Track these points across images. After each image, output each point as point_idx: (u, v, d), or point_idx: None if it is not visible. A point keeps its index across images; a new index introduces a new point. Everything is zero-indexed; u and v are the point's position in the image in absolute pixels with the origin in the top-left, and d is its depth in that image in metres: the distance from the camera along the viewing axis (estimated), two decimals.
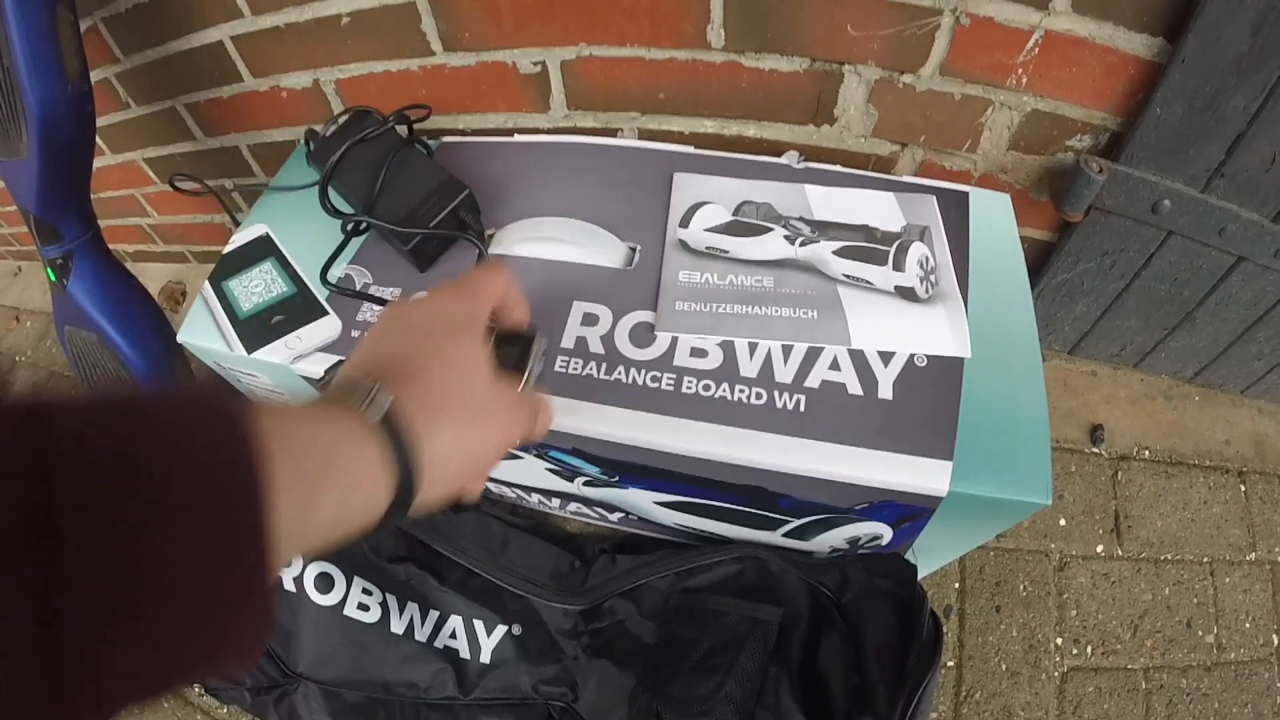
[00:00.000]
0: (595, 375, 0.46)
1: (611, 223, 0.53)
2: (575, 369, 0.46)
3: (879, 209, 0.53)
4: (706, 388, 0.45)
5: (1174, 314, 0.66)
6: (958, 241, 0.53)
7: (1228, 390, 0.73)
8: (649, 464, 0.47)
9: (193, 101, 0.73)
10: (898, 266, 0.49)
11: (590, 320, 0.48)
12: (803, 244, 0.51)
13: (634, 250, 0.51)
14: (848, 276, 0.49)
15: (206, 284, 0.57)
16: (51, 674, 0.15)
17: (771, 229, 0.51)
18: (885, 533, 0.50)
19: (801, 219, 0.53)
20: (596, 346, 0.47)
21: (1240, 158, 0.55)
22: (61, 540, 0.15)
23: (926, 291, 0.49)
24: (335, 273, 0.55)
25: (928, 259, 0.50)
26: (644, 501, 0.53)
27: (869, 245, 0.50)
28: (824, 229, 0.52)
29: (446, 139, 0.61)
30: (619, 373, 0.46)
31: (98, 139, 0.81)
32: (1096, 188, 0.56)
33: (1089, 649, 0.62)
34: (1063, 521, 0.66)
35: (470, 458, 0.30)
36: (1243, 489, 0.69)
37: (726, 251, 0.51)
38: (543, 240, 0.52)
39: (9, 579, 0.14)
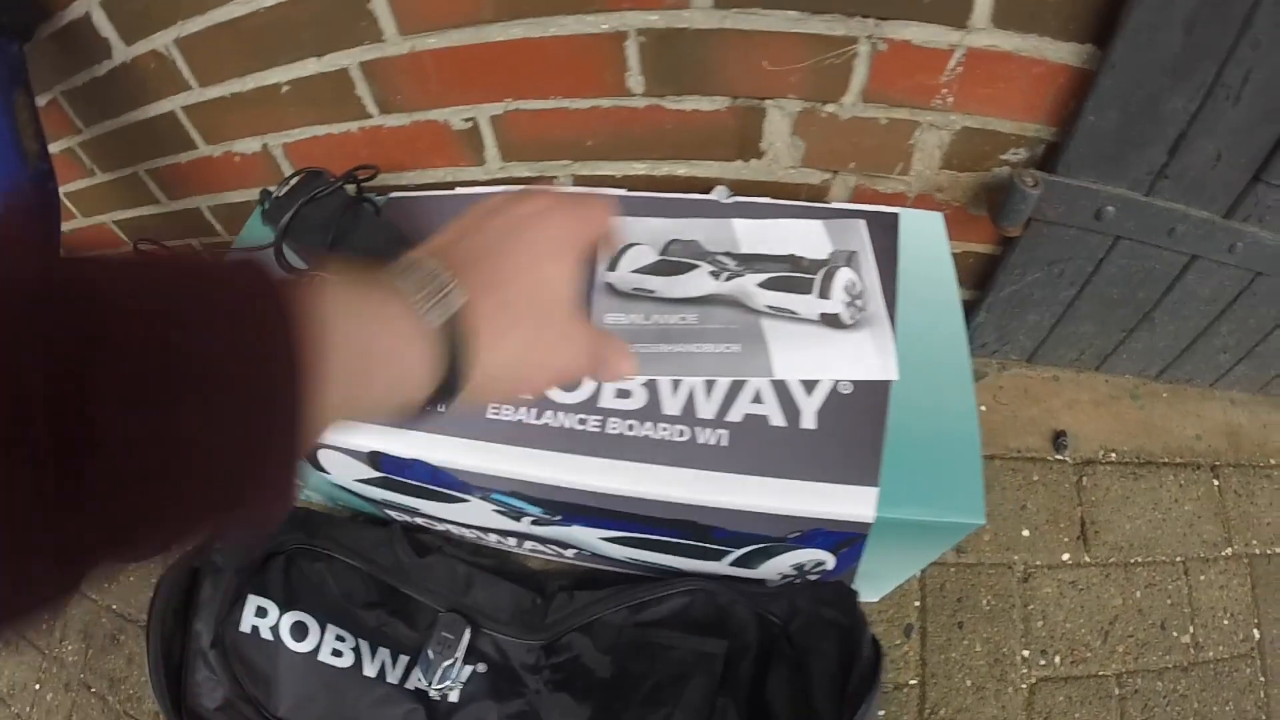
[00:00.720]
0: (524, 420, 0.48)
1: None
2: (506, 415, 0.48)
3: (807, 237, 0.54)
4: (631, 427, 0.47)
5: (1131, 316, 0.66)
6: (887, 263, 0.53)
7: (1197, 384, 0.72)
8: (584, 503, 0.48)
9: (153, 167, 0.77)
10: (823, 293, 0.50)
11: None
12: (728, 278, 0.52)
13: None
14: (771, 308, 0.50)
15: None
16: (67, 504, 0.15)
17: (697, 266, 0.52)
18: (827, 559, 0.51)
19: (728, 253, 0.53)
20: None
21: (1184, 158, 0.55)
22: (95, 383, 0.15)
23: (852, 317, 0.49)
24: None
25: (854, 284, 0.51)
26: (590, 538, 0.55)
27: (794, 275, 0.51)
28: (750, 262, 0.53)
29: (394, 195, 0.63)
30: (547, 416, 0.48)
31: (68, 203, 0.86)
32: (1033, 201, 0.56)
33: (1057, 659, 0.62)
34: (1026, 532, 0.66)
35: (524, 377, 0.29)
36: (1216, 483, 0.68)
37: (653, 291, 0.52)
38: None
39: (34, 423, 0.14)
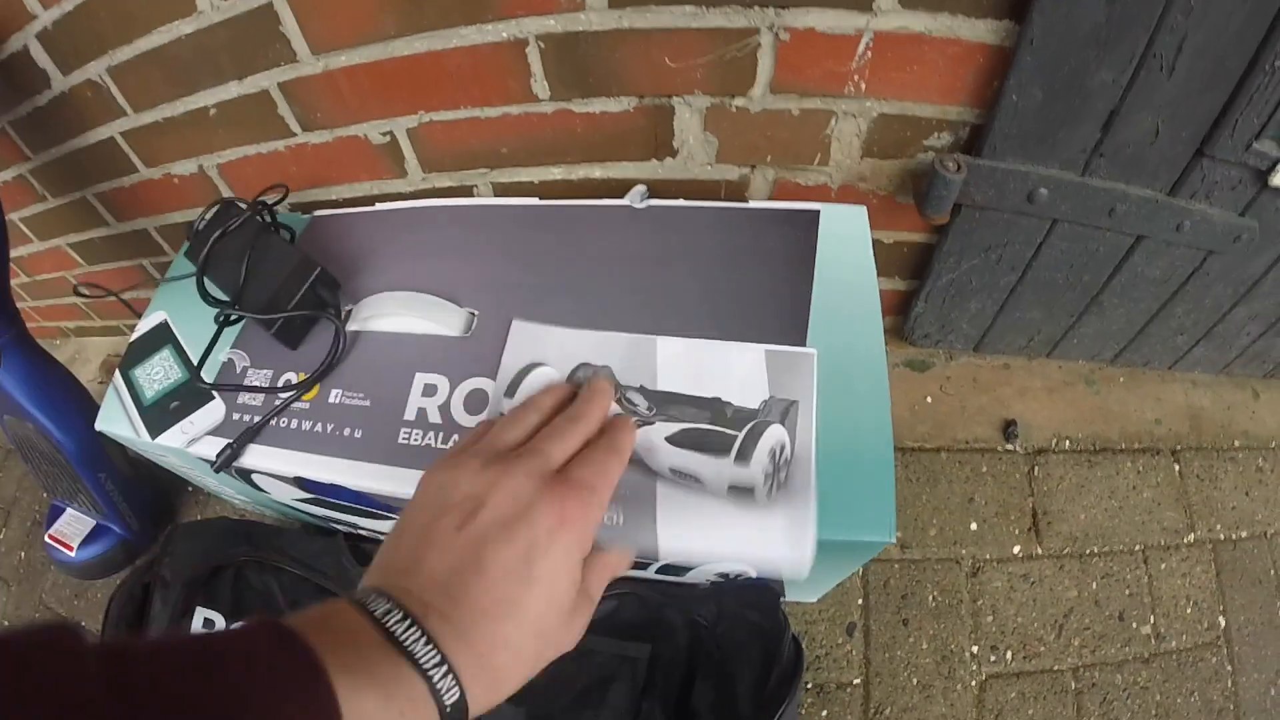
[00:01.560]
0: (433, 445, 0.48)
1: (461, 287, 0.54)
2: (416, 440, 0.48)
3: (742, 373, 0.46)
4: None
5: (1078, 300, 0.63)
6: (805, 278, 0.51)
7: (1154, 368, 0.69)
8: None
9: (99, 191, 0.78)
10: (742, 457, 0.42)
11: (430, 391, 0.50)
12: (636, 425, 0.43)
13: (473, 315, 0.53)
14: (674, 472, 0.43)
15: (118, 373, 0.61)
16: None
17: None
18: (750, 569, 0.50)
19: (642, 389, 0.46)
20: (435, 416, 0.49)
21: (1119, 134, 0.52)
22: None
23: (770, 493, 0.42)
24: (219, 358, 0.58)
25: (782, 448, 0.43)
26: None
27: (713, 429, 0.43)
28: (665, 404, 0.45)
29: (319, 212, 0.64)
30: (454, 441, 0.48)
31: (24, 228, 0.88)
32: (956, 186, 0.55)
33: (1009, 654, 0.60)
34: (974, 525, 0.64)
35: (522, 674, 0.28)
36: (1176, 468, 0.66)
37: None
38: (390, 315, 0.53)
39: None
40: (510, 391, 0.47)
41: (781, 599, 0.53)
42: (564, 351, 0.48)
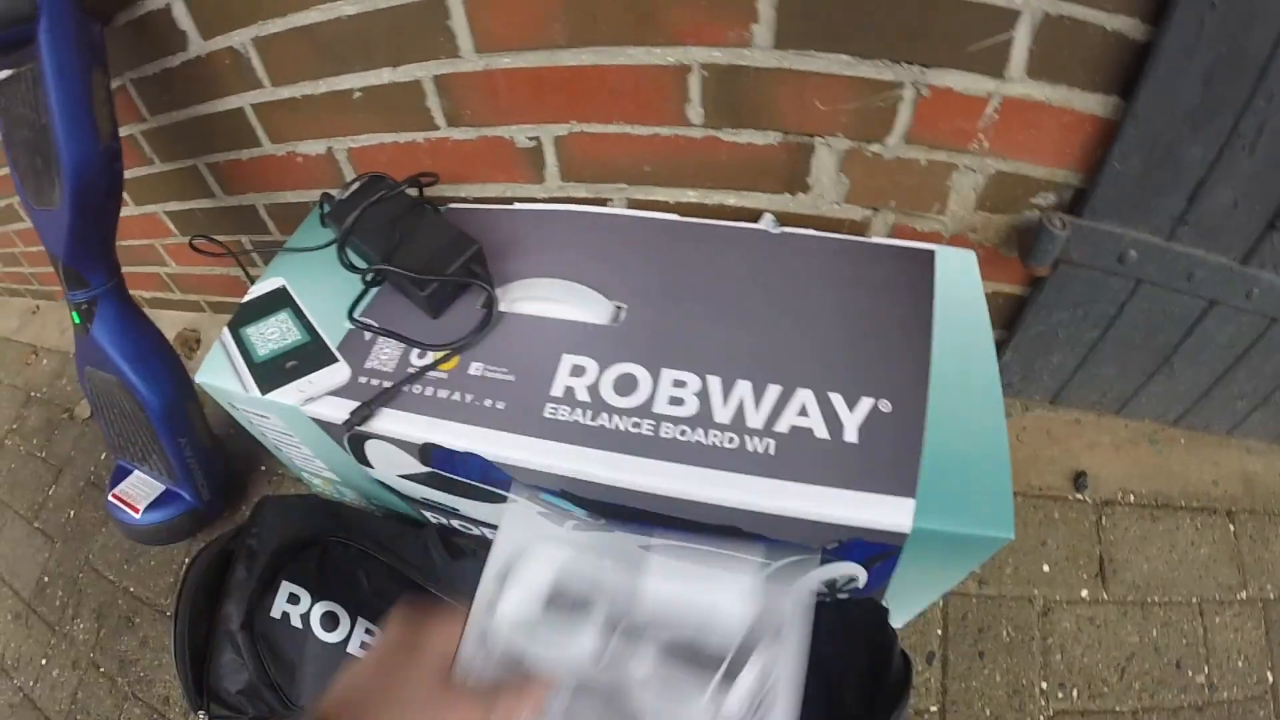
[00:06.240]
0: (581, 421, 0.50)
1: (600, 284, 0.57)
2: (564, 415, 0.50)
3: (726, 598, 0.44)
4: (683, 433, 0.48)
5: (1151, 360, 0.68)
6: (920, 305, 0.55)
7: (1213, 431, 0.74)
8: (631, 505, 0.50)
9: (213, 161, 0.79)
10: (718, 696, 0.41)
11: (578, 371, 0.52)
12: (609, 661, 0.42)
13: (620, 309, 0.55)
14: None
15: (225, 330, 0.62)
16: None
17: (582, 628, 0.44)
18: (860, 574, 0.52)
19: (623, 614, 0.45)
20: (583, 395, 0.51)
21: (1202, 204, 0.57)
22: None
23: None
24: (344, 324, 0.60)
25: (761, 685, 0.42)
26: (630, 545, 0.56)
27: (686, 669, 0.42)
28: (642, 634, 0.43)
29: (451, 205, 0.66)
30: (603, 419, 0.50)
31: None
32: (1061, 243, 0.59)
33: (1075, 693, 0.62)
34: (1046, 567, 0.67)
35: None
36: (1231, 528, 0.70)
37: (522, 660, 0.42)
38: (538, 299, 0.56)
39: None
40: (500, 579, 0.46)
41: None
42: (550, 561, 0.48)
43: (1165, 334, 0.66)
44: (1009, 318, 0.69)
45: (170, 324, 1.05)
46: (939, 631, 0.64)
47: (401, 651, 0.35)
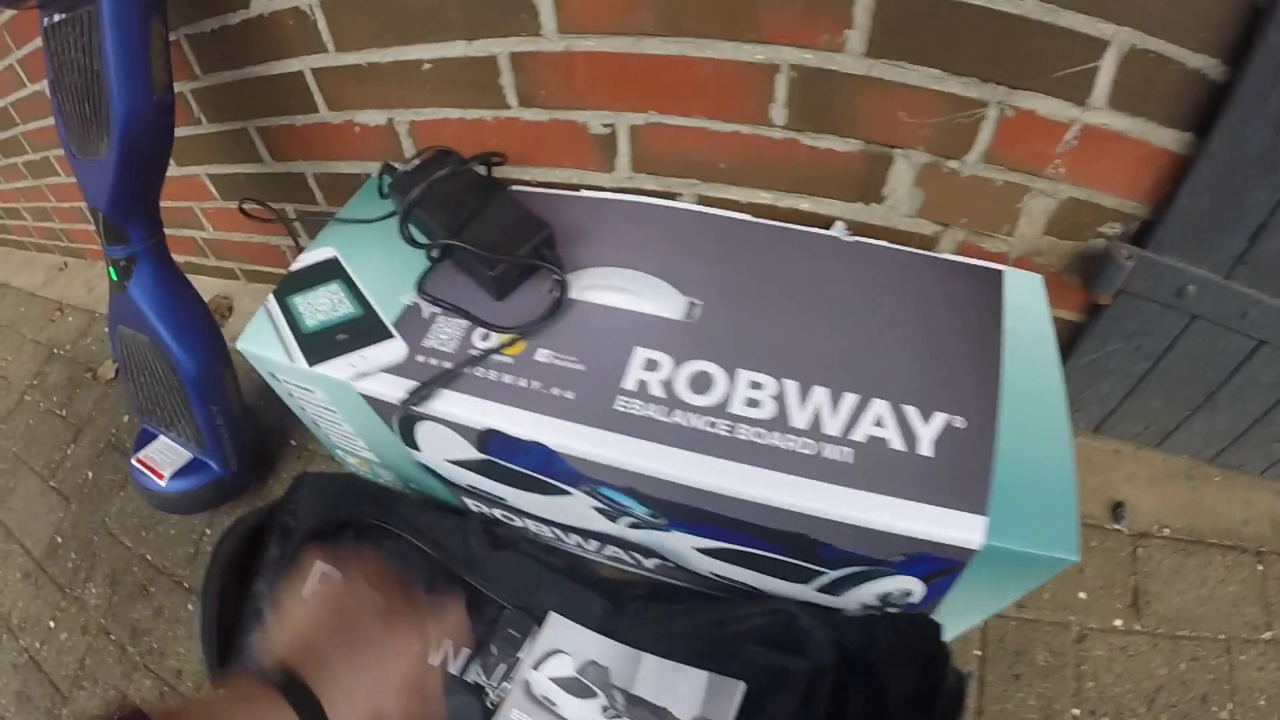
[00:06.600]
0: (655, 416, 0.49)
1: (672, 279, 0.56)
2: (636, 409, 0.49)
3: (685, 690, 0.53)
4: (760, 435, 0.48)
5: (1196, 395, 0.69)
6: (989, 318, 0.55)
7: (1247, 471, 0.75)
8: (700, 505, 0.49)
9: (265, 125, 0.77)
10: None
11: (652, 365, 0.51)
12: None
13: (694, 304, 0.55)
14: None
15: (271, 297, 0.60)
16: None
17: (595, 695, 0.54)
18: (917, 589, 0.52)
19: (623, 690, 0.54)
20: (658, 390, 0.50)
21: (1262, 246, 0.58)
22: None
23: None
24: (401, 300, 0.58)
25: None
26: (684, 547, 0.55)
27: None
28: (631, 709, 0.53)
29: (514, 188, 0.65)
30: (678, 416, 0.49)
31: None
32: (1126, 273, 0.60)
33: None
34: (1083, 594, 0.67)
35: (372, 683, 0.35)
36: (1260, 568, 0.71)
37: (555, 705, 0.54)
38: (610, 289, 0.55)
39: None
40: (536, 664, 0.56)
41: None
42: (579, 645, 0.57)
43: (1213, 370, 0.67)
44: (1064, 345, 0.69)
45: (202, 290, 1.01)
46: (977, 652, 0.64)
47: (339, 591, 0.38)
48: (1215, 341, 0.65)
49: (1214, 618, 0.68)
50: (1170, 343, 0.66)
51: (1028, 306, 0.57)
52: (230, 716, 0.30)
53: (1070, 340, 0.68)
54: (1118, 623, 0.67)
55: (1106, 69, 0.51)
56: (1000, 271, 0.59)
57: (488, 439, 0.53)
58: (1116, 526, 0.71)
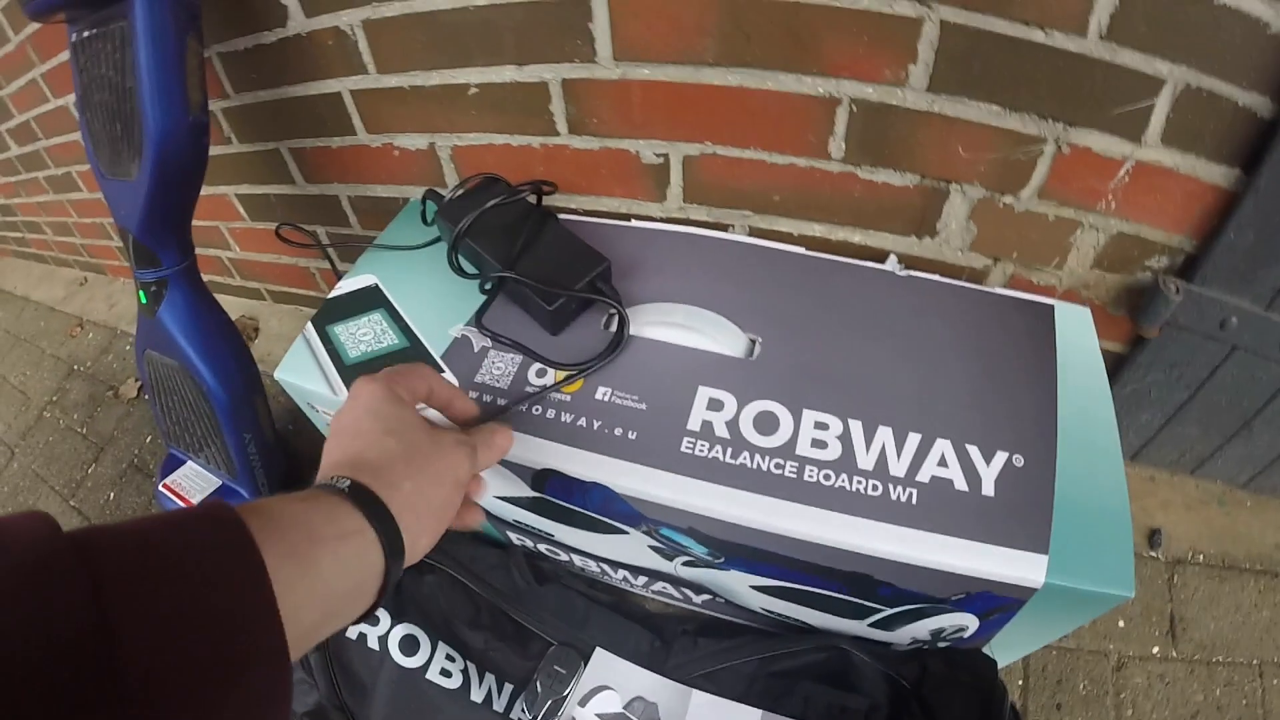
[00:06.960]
0: (721, 459, 0.49)
1: (730, 314, 0.56)
2: (702, 451, 0.49)
3: None
4: (827, 477, 0.48)
5: (1233, 423, 0.70)
6: (1044, 350, 0.56)
7: (1279, 495, 0.76)
8: (761, 546, 0.49)
9: (299, 146, 0.75)
10: None
11: (715, 405, 0.51)
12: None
13: (754, 341, 0.54)
14: None
15: (310, 325, 0.59)
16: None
17: None
18: (971, 624, 0.52)
19: None
20: (722, 431, 0.50)
21: None
22: (115, 627, 0.20)
23: None
24: (453, 332, 0.57)
25: None
26: (739, 585, 0.55)
27: None
28: None
29: (561, 216, 0.64)
30: (744, 457, 0.48)
31: None
32: (1173, 306, 0.60)
33: None
34: (1121, 623, 0.68)
35: (432, 497, 0.37)
36: None
37: None
38: (669, 325, 0.54)
39: (81, 658, 0.19)
40: (583, 702, 0.57)
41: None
42: (624, 679, 0.58)
43: (1250, 399, 0.68)
44: (1108, 375, 0.70)
45: (228, 310, 1.00)
46: (1020, 682, 0.64)
47: (390, 405, 0.39)
48: (1253, 370, 0.66)
49: (1247, 643, 0.69)
50: (1210, 373, 0.66)
51: (1078, 340, 0.58)
52: (302, 515, 0.30)
53: (1113, 371, 0.69)
54: (1155, 650, 0.67)
55: (1161, 107, 0.51)
56: (1052, 306, 0.59)
57: (545, 478, 0.52)
58: (1153, 553, 0.71)
